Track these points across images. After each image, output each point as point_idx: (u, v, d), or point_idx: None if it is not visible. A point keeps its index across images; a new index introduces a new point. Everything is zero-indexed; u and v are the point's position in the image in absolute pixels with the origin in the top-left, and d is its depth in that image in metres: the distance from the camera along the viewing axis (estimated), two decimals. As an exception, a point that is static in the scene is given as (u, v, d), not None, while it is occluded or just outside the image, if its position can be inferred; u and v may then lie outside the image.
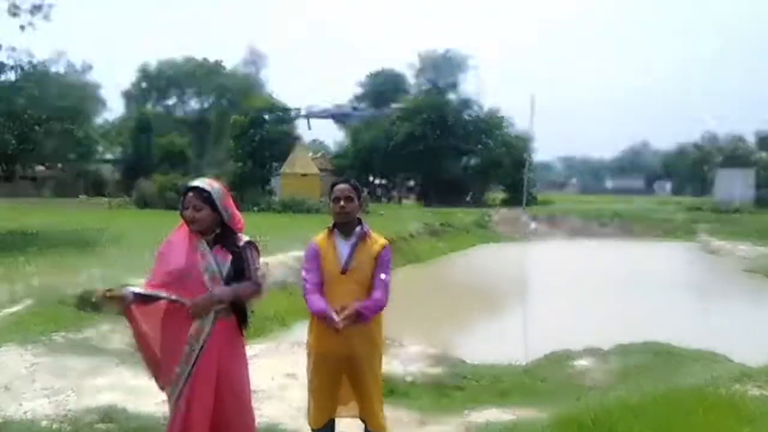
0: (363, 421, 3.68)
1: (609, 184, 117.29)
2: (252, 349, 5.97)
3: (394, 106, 49.48)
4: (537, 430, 4.41)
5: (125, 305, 3.21)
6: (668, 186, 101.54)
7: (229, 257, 3.33)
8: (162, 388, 3.46)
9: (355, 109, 42.95)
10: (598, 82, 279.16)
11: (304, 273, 3.63)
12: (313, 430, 3.68)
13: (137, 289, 3.23)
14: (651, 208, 44.36)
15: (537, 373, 6.43)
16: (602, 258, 25.19)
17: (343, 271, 3.53)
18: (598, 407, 4.53)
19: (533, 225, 35.05)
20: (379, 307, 3.57)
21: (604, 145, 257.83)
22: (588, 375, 6.46)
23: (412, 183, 59.00)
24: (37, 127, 20.88)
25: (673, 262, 23.96)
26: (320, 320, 3.49)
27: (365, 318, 3.49)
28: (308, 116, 40.53)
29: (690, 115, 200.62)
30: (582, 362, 6.91)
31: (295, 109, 39.48)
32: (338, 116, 41.67)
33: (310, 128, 48.93)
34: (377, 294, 3.56)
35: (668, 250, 28.03)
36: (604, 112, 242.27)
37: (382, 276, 3.60)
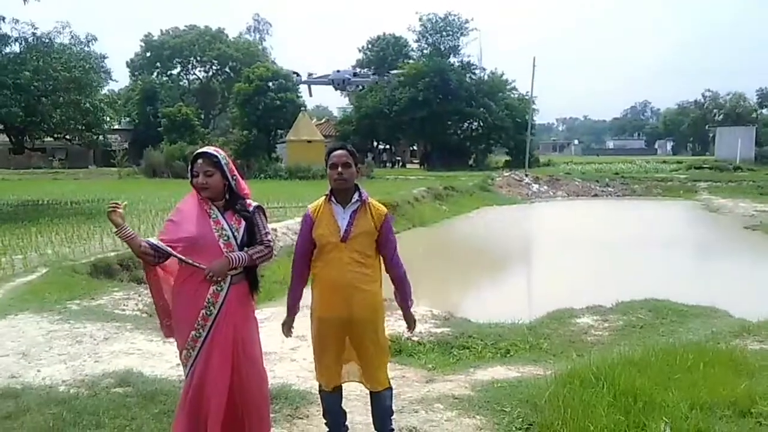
0: (367, 385, 3.69)
1: (610, 144, 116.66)
2: (262, 313, 6.11)
3: (393, 72, 49.07)
4: (541, 386, 4.52)
5: (145, 261, 3.32)
6: (669, 145, 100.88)
7: (243, 222, 3.39)
8: (167, 335, 3.57)
9: (355, 75, 42.67)
10: (599, 43, 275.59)
11: (295, 255, 3.69)
12: (322, 390, 3.72)
13: (154, 241, 3.26)
14: (652, 167, 44.23)
15: (540, 331, 6.56)
16: (603, 218, 25.28)
17: (343, 239, 3.49)
18: (600, 362, 4.64)
19: (535, 187, 35.08)
20: (406, 278, 3.72)
21: (605, 105, 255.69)
22: (590, 332, 6.60)
23: (415, 147, 58.87)
24: (43, 99, 20.85)
25: (674, 220, 24.01)
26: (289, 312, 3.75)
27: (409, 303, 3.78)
28: (309, 83, 40.39)
29: (691, 73, 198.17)
30: (584, 320, 7.04)
31: (296, 74, 39.33)
32: (338, 82, 41.47)
33: (311, 95, 49.10)
34: (398, 271, 3.67)
35: (669, 209, 28.10)
36: (605, 73, 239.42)
37: (394, 256, 3.67)
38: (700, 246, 18.34)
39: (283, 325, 3.81)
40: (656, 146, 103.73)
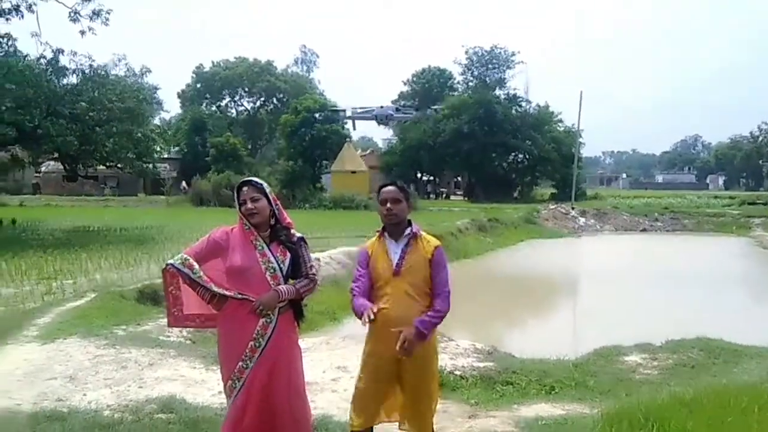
0: (406, 426, 3.58)
1: (659, 178, 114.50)
2: (304, 343, 6.10)
3: (435, 106, 49.36)
4: (588, 425, 4.39)
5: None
6: (721, 180, 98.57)
7: (288, 255, 3.42)
8: (172, 324, 3.64)
9: (397, 110, 43.25)
10: (649, 75, 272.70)
11: (353, 282, 3.62)
12: (352, 430, 3.63)
13: (215, 289, 3.30)
14: (703, 202, 43.25)
15: (586, 368, 6.37)
16: (652, 253, 24.69)
17: (396, 273, 3.48)
18: (650, 403, 4.48)
19: (582, 220, 34.55)
20: (440, 317, 3.51)
21: (655, 139, 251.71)
22: (638, 370, 6.38)
23: (459, 179, 58.77)
24: (97, 128, 21.60)
25: (726, 257, 23.24)
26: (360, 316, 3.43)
27: (424, 336, 3.41)
28: (353, 118, 41.19)
29: (744, 107, 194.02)
30: (632, 357, 6.82)
31: (342, 110, 40.22)
32: (381, 117, 42.14)
33: (354, 128, 49.63)
34: (438, 303, 3.51)
35: (721, 245, 27.28)
36: (655, 106, 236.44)
37: (446, 287, 3.56)
38: (755, 283, 17.71)
39: (363, 313, 3.39)
40: (707, 181, 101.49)
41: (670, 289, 15.52)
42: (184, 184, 48.24)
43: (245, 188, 3.42)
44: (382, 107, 42.97)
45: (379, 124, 49.39)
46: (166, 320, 3.68)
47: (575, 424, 4.55)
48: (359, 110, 42.09)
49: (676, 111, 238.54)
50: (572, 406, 5.21)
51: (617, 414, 4.36)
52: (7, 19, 23.17)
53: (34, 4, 23.24)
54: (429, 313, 3.48)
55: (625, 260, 21.92)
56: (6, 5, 23.07)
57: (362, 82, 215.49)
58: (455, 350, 6.90)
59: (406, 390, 3.54)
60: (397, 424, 3.68)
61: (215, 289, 3.29)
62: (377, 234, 3.66)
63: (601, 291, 15.93)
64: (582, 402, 5.34)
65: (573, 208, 36.78)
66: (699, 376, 6.04)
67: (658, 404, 4.44)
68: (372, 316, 3.30)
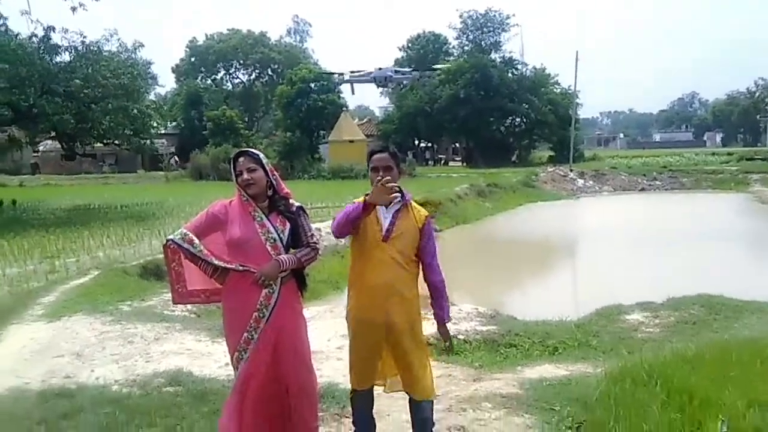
0: (408, 393, 3.57)
1: (657, 137, 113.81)
2: (308, 312, 6.14)
3: (436, 67, 48.63)
4: (591, 384, 4.43)
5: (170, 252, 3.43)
6: (718, 137, 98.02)
7: (288, 224, 3.41)
8: (176, 301, 3.67)
9: (396, 72, 42.59)
10: (644, 34, 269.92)
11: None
12: (354, 393, 3.65)
13: (216, 261, 3.31)
14: (701, 159, 43.14)
15: (588, 328, 6.43)
16: (651, 212, 24.76)
17: (385, 239, 3.43)
18: (652, 360, 4.53)
19: (580, 182, 34.53)
20: (444, 292, 3.61)
21: (651, 98, 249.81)
22: (640, 329, 6.45)
23: (457, 145, 58.57)
24: (93, 106, 21.41)
25: (726, 213, 23.29)
26: (359, 214, 3.31)
27: (445, 324, 3.64)
28: (351, 81, 40.76)
29: (741, 62, 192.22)
30: (634, 316, 6.89)
31: (339, 74, 39.66)
32: (380, 79, 41.53)
33: (353, 93, 48.80)
34: (436, 278, 3.56)
35: (720, 202, 27.36)
36: (651, 65, 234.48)
37: (435, 258, 3.57)
38: (755, 239, 17.75)
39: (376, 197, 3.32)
40: (705, 138, 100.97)
41: (669, 248, 15.56)
42: (175, 158, 48.24)
43: (241, 159, 3.39)
44: (380, 69, 42.22)
45: (378, 86, 48.67)
46: (170, 296, 3.69)
47: (579, 384, 4.59)
48: (357, 74, 41.44)
49: (673, 69, 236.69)
50: (575, 366, 5.26)
51: (620, 372, 4.41)
52: (-5, -2, 22.90)
53: (23, -18, 22.96)
54: (437, 302, 3.60)
55: (624, 220, 21.94)
56: (-6, -16, 22.78)
57: (356, 50, 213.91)
58: (458, 314, 6.95)
59: (398, 357, 3.52)
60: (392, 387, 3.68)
61: (216, 262, 3.30)
62: (365, 197, 3.53)
63: (601, 251, 15.99)
64: (585, 362, 5.40)
65: (571, 170, 36.72)
66: (701, 333, 6.11)
67: (660, 361, 4.48)
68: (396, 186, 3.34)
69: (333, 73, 42.74)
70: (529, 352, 5.82)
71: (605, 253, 15.54)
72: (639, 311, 7.07)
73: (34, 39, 21.51)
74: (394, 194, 3.41)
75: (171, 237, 3.39)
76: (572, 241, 18.88)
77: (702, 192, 32.15)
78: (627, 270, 12.83)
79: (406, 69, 44.19)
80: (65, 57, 21.96)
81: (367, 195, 3.46)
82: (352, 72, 40.07)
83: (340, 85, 38.39)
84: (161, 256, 3.57)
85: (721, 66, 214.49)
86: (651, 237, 17.29)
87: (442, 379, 4.80)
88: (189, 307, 7.72)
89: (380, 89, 57.16)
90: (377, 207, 3.49)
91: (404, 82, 49.91)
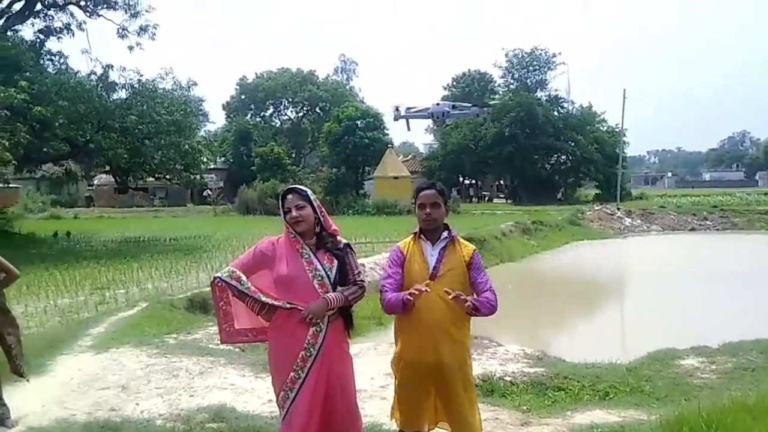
0: None
1: (706, 176, 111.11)
2: (352, 349, 6.08)
3: (492, 102, 48.25)
4: (645, 432, 4.25)
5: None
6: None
7: (335, 262, 3.38)
8: (224, 341, 3.66)
9: (454, 106, 42.32)
10: (692, 73, 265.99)
11: (383, 279, 3.49)
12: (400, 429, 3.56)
13: (264, 299, 3.30)
14: (753, 199, 41.88)
15: (641, 372, 6.18)
16: (702, 252, 23.97)
17: (432, 277, 3.38)
18: (710, 409, 4.30)
19: (628, 221, 33.81)
20: (493, 307, 3.41)
21: (700, 137, 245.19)
22: (696, 375, 6.16)
23: (501, 182, 58.27)
24: (146, 141, 22.13)
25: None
26: (401, 311, 3.31)
27: (478, 310, 3.34)
28: (407, 117, 41.06)
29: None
30: (688, 361, 6.60)
31: (396, 109, 39.86)
32: (437, 115, 41.40)
33: (409, 129, 49.06)
34: (489, 295, 3.42)
35: (775, 244, 26.30)
36: (700, 103, 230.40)
37: (489, 285, 3.46)
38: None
39: (399, 301, 3.32)
40: (757, 177, 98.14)
41: (722, 290, 15.02)
42: (208, 191, 49.23)
43: (290, 196, 3.40)
44: (438, 104, 42.05)
45: (435, 122, 48.60)
46: (216, 330, 3.69)
47: (632, 432, 4.40)
48: (413, 109, 41.36)
49: (722, 107, 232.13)
50: (628, 413, 5.05)
51: (677, 421, 4.20)
52: (58, 38, 24.08)
53: (84, 23, 24.12)
54: (482, 297, 3.39)
55: (674, 260, 21.32)
56: (57, 24, 23.94)
57: (401, 89, 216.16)
58: (504, 356, 6.80)
59: (447, 398, 3.43)
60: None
61: (264, 299, 3.29)
62: (412, 236, 3.57)
63: (651, 292, 15.51)
64: (638, 408, 5.18)
65: (618, 209, 36.01)
66: (761, 380, 5.81)
67: (719, 410, 4.25)
68: (427, 289, 3.19)
69: (390, 109, 43.02)
70: (578, 396, 5.61)
71: (655, 294, 15.06)
72: (693, 356, 6.78)
73: (93, 77, 22.45)
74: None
75: (218, 275, 3.40)
76: (621, 281, 18.42)
77: (755, 233, 31.07)
78: (679, 312, 12.41)
79: (465, 104, 43.94)
80: (122, 94, 22.89)
81: (414, 232, 3.45)
82: (408, 108, 40.05)
83: (397, 120, 38.42)
84: (208, 289, 3.59)
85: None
86: (702, 278, 16.73)
87: (488, 423, 4.66)
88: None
89: (428, 124, 56.86)
90: (423, 244, 3.49)
91: (462, 118, 49.26)
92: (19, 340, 5.02)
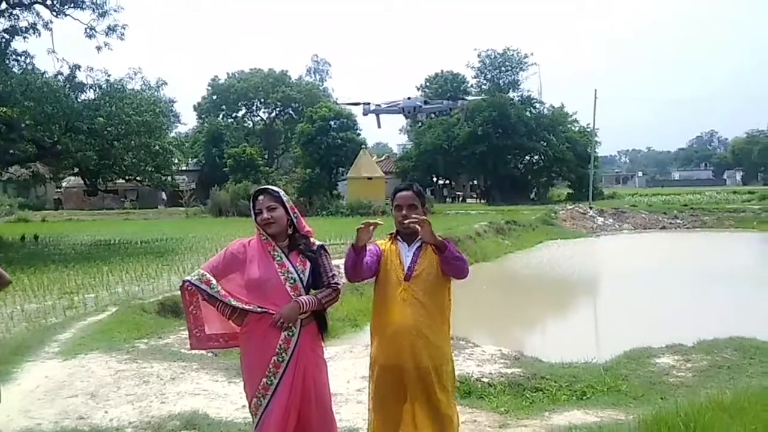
0: None
1: (676, 175, 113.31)
2: (326, 352, 5.99)
3: (467, 97, 48.13)
4: (623, 432, 4.23)
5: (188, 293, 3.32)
6: (738, 175, 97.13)
7: (308, 264, 3.29)
8: (193, 347, 3.57)
9: (426, 102, 41.86)
10: (661, 72, 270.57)
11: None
12: None
13: (234, 303, 3.20)
14: (722, 198, 42.75)
15: (617, 371, 6.18)
16: (674, 250, 24.39)
17: (407, 278, 3.33)
18: (688, 407, 4.31)
19: (600, 220, 34.21)
20: (461, 260, 3.32)
21: (669, 137, 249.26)
22: (672, 373, 6.18)
23: (475, 182, 58.58)
24: (116, 143, 21.76)
25: (751, 253, 22.91)
26: (354, 257, 3.23)
27: (444, 249, 3.25)
28: (377, 112, 40.89)
29: (759, 100, 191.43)
30: (664, 359, 6.62)
31: (365, 103, 39.49)
32: (408, 110, 41.02)
33: (379, 126, 48.71)
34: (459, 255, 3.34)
35: (744, 241, 27.02)
36: (669, 104, 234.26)
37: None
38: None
39: (358, 239, 3.25)
40: (725, 176, 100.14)
41: (695, 288, 15.24)
42: (163, 195, 48.86)
43: (261, 197, 3.31)
44: (409, 98, 41.41)
45: (406, 117, 48.19)
46: (187, 335, 3.57)
47: (610, 432, 4.38)
48: (383, 105, 40.77)
49: (691, 108, 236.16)
50: (606, 413, 5.04)
51: (654, 420, 4.20)
52: (24, 38, 23.49)
53: (50, 22, 23.57)
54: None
55: (646, 258, 21.60)
56: (23, 23, 23.40)
57: (374, 89, 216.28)
58: (481, 356, 6.76)
59: (422, 401, 3.33)
60: None
61: (234, 303, 3.19)
62: (389, 237, 3.53)
63: (625, 291, 15.66)
64: (616, 407, 5.18)
65: (591, 208, 36.45)
66: (736, 378, 5.85)
67: (696, 409, 4.25)
68: (379, 222, 3.18)
69: (359, 103, 42.60)
70: (556, 396, 5.59)
71: (629, 292, 15.21)
72: (669, 354, 6.81)
73: (59, 77, 21.99)
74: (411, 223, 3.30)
75: (188, 278, 3.30)
76: (594, 280, 18.58)
77: (724, 231, 31.68)
78: (653, 310, 12.53)
79: (436, 99, 43.64)
80: (90, 95, 22.47)
81: (391, 234, 3.44)
82: (377, 104, 39.56)
83: (366, 115, 37.97)
84: (179, 292, 3.46)
85: (740, 104, 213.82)
86: (675, 276, 16.94)
87: (466, 426, 4.61)
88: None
89: (402, 125, 56.67)
90: (399, 245, 3.44)
91: (434, 113, 48.81)
92: None
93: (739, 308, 12.30)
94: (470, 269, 3.49)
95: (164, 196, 50.05)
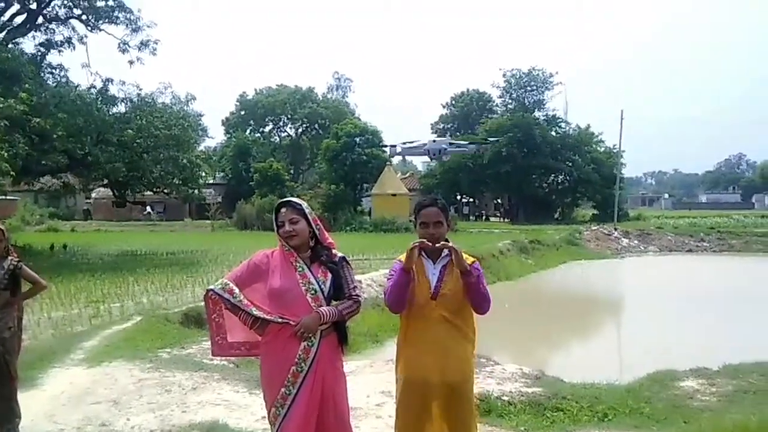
0: None
1: (703, 198, 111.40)
2: (347, 366, 6.00)
3: (491, 139, 48.05)
4: (644, 454, 4.18)
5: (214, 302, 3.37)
6: (767, 199, 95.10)
7: (329, 275, 3.32)
8: (215, 354, 3.59)
9: (451, 144, 42.24)
10: (690, 94, 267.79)
11: (388, 281, 3.43)
12: None
13: (255, 312, 3.24)
14: (750, 221, 42.00)
15: (640, 393, 6.10)
16: (700, 273, 23.99)
17: (433, 296, 3.31)
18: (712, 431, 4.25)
19: (625, 241, 33.78)
20: (485, 299, 3.35)
21: (697, 159, 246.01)
22: (696, 396, 6.08)
23: (498, 201, 58.36)
24: (145, 155, 22.11)
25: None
26: (404, 278, 3.25)
27: (470, 276, 3.28)
28: (404, 153, 40.94)
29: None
30: (688, 383, 6.52)
31: (392, 146, 40.13)
32: (434, 152, 41.26)
33: (405, 164, 49.17)
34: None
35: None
36: (696, 125, 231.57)
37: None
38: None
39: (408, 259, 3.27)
40: (753, 200, 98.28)
41: (721, 311, 14.98)
42: (148, 209, 49.67)
43: (284, 209, 3.35)
44: (434, 141, 41.90)
45: (432, 159, 48.24)
46: (210, 345, 3.61)
47: (631, 454, 4.32)
48: (410, 144, 41.15)
49: (719, 129, 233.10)
50: (627, 435, 4.98)
51: (677, 443, 4.14)
52: (59, 51, 24.12)
53: (85, 36, 24.17)
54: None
55: (671, 281, 21.29)
56: (59, 38, 24.02)
57: (399, 105, 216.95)
58: (502, 375, 6.71)
59: (446, 417, 3.31)
60: None
61: (255, 312, 3.22)
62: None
63: (649, 312, 15.44)
64: (638, 430, 5.11)
65: (616, 229, 36.06)
66: (762, 403, 5.73)
67: (720, 433, 4.19)
68: (428, 244, 3.22)
69: (386, 146, 43.12)
70: (577, 417, 5.53)
71: (653, 315, 14.99)
72: (693, 378, 6.70)
73: (92, 90, 22.49)
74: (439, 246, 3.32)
75: (212, 287, 3.35)
76: (618, 301, 18.36)
77: (752, 255, 31.10)
78: (677, 333, 12.34)
79: (462, 142, 44.00)
80: (121, 108, 22.91)
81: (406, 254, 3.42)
82: (404, 144, 40.01)
83: (392, 157, 38.23)
84: (203, 303, 3.51)
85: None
86: (700, 298, 16.69)
87: (485, 443, 4.59)
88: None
89: (434, 160, 56.51)
90: (424, 261, 3.42)
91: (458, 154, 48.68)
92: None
93: (766, 332, 12.06)
94: (493, 287, 3.48)
95: (150, 212, 50.41)
